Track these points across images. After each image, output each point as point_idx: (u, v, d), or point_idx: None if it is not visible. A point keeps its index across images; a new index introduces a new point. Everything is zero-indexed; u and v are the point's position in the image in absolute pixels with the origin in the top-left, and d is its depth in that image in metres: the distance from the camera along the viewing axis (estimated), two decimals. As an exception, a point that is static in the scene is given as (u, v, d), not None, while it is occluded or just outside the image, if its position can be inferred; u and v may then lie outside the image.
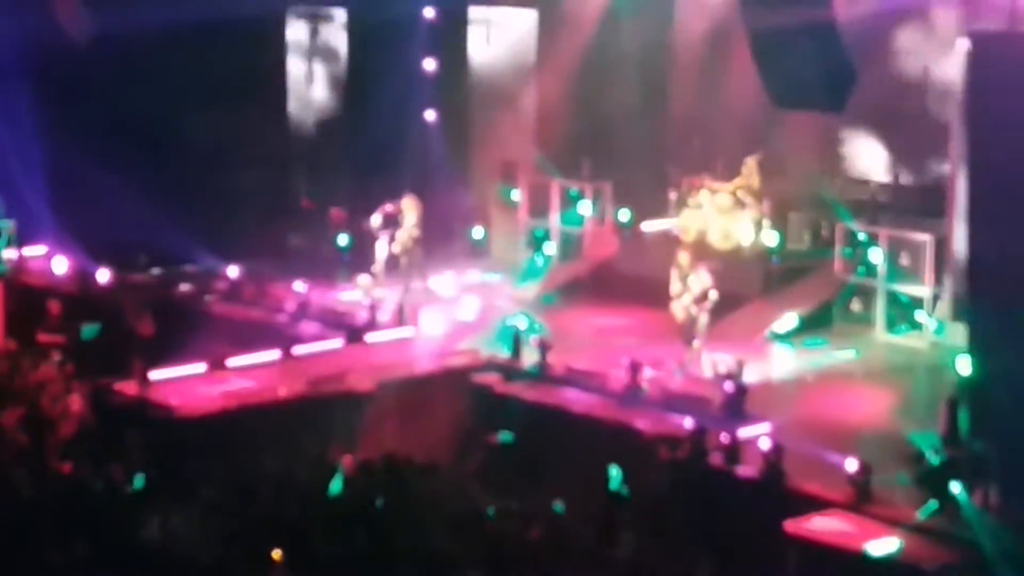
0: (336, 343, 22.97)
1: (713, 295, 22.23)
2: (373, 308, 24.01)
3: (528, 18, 28.13)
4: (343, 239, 28.43)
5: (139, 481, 16.88)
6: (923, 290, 23.65)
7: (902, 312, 23.89)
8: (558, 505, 17.52)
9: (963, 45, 21.33)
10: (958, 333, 21.24)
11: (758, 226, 25.74)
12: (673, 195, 26.88)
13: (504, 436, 20.34)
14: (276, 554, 14.37)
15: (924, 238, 23.78)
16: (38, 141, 26.94)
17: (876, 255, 23.99)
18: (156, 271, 26.53)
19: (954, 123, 23.11)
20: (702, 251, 24.16)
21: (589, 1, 27.91)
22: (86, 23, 27.61)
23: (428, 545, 15.52)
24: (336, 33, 28.71)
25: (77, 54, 26.77)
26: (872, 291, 24.10)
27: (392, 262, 26.19)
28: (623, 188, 27.70)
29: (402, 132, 28.94)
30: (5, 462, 17.99)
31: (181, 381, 20.98)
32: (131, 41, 27.47)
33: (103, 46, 26.86)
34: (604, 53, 27.74)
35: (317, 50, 28.98)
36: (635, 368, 20.99)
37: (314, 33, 28.97)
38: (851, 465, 17.57)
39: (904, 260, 23.82)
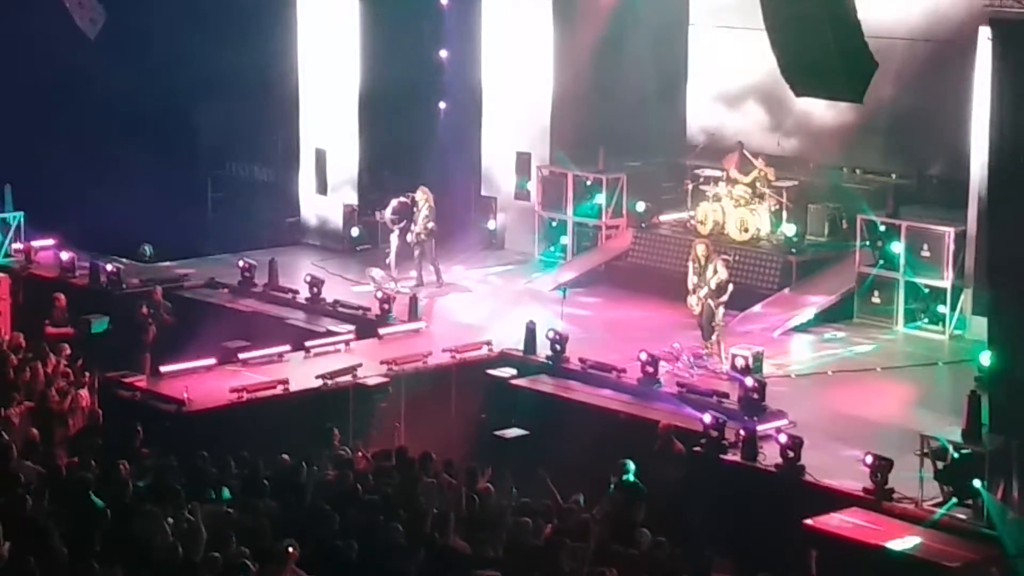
0: (348, 336, 22.73)
1: (730, 288, 21.98)
2: (386, 301, 23.77)
3: (543, 6, 27.79)
4: (355, 231, 28.26)
5: (148, 476, 16.71)
6: (944, 283, 23.38)
7: (923, 305, 23.62)
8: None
9: (985, 32, 21.04)
10: (980, 326, 20.95)
11: (776, 218, 25.48)
12: (689, 186, 26.65)
13: (518, 430, 20.12)
14: (290, 549, 14.17)
15: (945, 230, 23.48)
16: (46, 133, 26.88)
17: (896, 247, 23.69)
18: (165, 263, 26.38)
19: (975, 112, 22.79)
20: (719, 243, 23.89)
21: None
22: (97, 16, 27.56)
23: (441, 540, 15.31)
24: (348, 21, 28.41)
25: (86, 46, 26.70)
26: (893, 283, 23.82)
27: (405, 254, 25.97)
28: (639, 179, 27.43)
29: (415, 122, 28.74)
30: (13, 456, 17.83)
31: (191, 375, 20.81)
32: (139, 32, 27.40)
33: (111, 38, 26.79)
34: (620, 42, 27.47)
35: (328, 39, 28.67)
36: (651, 362, 20.74)
37: (325, 21, 28.66)
38: (871, 460, 17.31)
39: (925, 252, 23.53)
